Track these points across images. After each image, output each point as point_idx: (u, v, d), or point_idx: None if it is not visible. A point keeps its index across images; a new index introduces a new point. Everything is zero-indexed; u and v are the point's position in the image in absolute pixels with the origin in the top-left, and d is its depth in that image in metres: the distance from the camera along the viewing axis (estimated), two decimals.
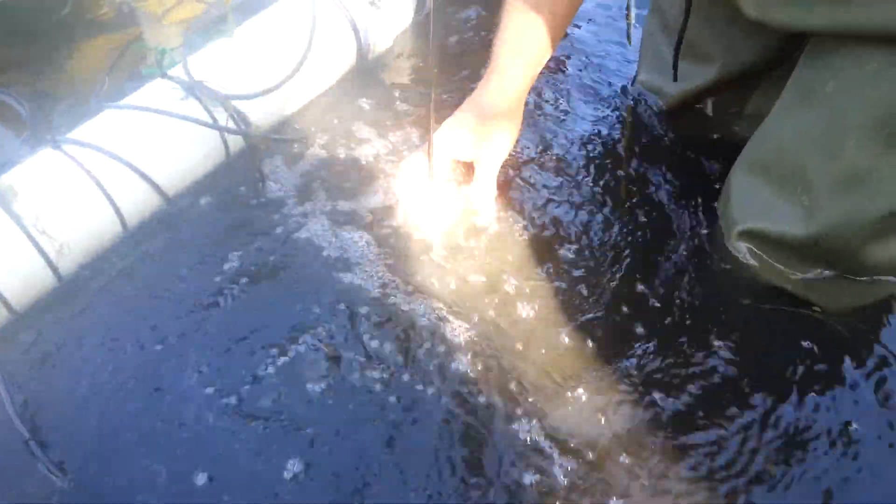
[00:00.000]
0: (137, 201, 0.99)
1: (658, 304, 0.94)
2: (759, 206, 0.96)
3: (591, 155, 1.17)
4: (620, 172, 1.14)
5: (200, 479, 0.76)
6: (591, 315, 0.92)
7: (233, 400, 0.82)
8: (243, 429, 0.80)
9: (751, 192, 0.98)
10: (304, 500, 0.75)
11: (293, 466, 0.77)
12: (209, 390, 0.83)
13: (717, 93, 1.16)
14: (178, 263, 0.97)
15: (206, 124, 1.03)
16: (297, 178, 1.11)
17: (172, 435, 0.80)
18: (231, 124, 1.08)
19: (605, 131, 1.24)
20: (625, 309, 0.93)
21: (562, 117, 1.24)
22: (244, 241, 1.00)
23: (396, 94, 1.29)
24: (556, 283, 0.95)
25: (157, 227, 1.01)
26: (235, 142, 1.10)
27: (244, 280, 0.95)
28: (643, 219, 1.05)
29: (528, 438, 0.79)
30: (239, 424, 0.80)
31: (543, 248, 1.00)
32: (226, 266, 0.97)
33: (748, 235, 0.97)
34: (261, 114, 1.13)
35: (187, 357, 0.86)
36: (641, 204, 1.08)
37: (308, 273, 0.96)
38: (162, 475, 0.77)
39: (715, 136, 1.20)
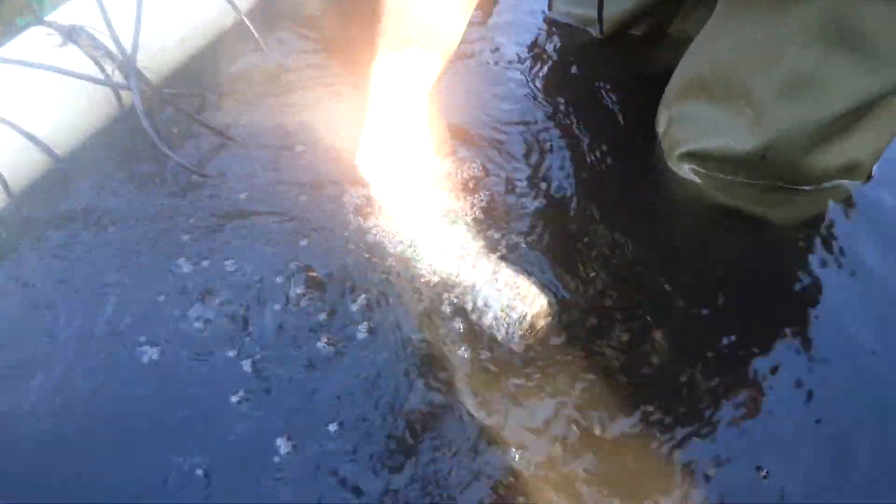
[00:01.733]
0: (20, 162, 0.87)
1: (604, 233, 0.89)
2: (699, 126, 0.93)
3: (522, 94, 1.12)
4: (552, 108, 1.08)
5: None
6: (538, 251, 0.86)
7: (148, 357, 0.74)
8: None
9: (689, 112, 0.95)
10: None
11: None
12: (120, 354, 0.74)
13: (643, 16, 1.14)
14: (76, 232, 0.86)
15: (78, 76, 0.90)
16: (199, 132, 1.01)
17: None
18: (118, 76, 0.94)
19: (531, 67, 1.18)
20: (571, 244, 0.87)
21: (489, 61, 1.18)
22: (147, 204, 0.89)
23: (304, 35, 1.20)
24: (500, 224, 0.89)
25: (49, 191, 0.90)
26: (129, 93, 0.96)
27: (146, 247, 0.84)
28: (582, 153, 1.01)
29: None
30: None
31: (491, 192, 0.93)
32: (126, 231, 0.86)
33: (691, 156, 0.94)
34: (153, 62, 1.00)
35: (87, 338, 0.76)
36: (578, 139, 1.03)
37: (210, 236, 0.86)
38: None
39: (647, 61, 1.17)
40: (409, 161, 0.89)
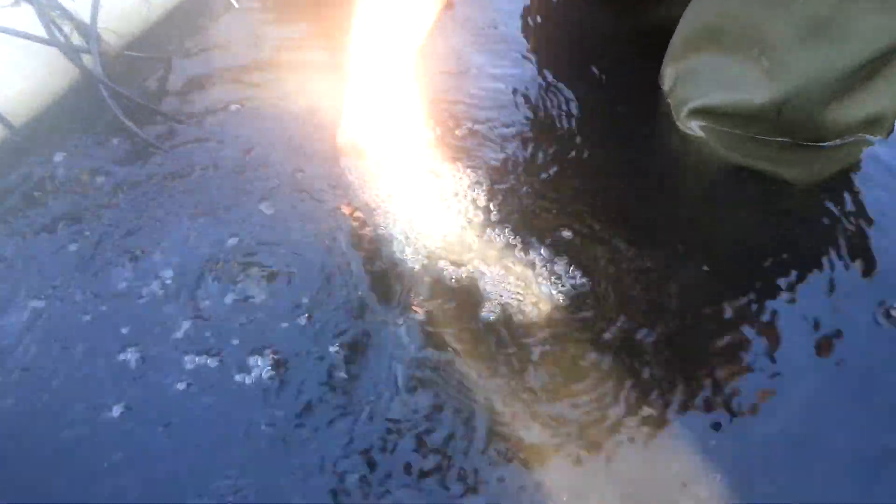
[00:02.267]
0: None
1: (612, 198, 0.83)
2: (709, 79, 0.86)
3: (518, 54, 1.04)
4: (546, 68, 1.01)
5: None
6: (542, 218, 0.80)
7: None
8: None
9: (698, 65, 0.88)
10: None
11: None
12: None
13: None
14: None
15: (32, 38, 0.83)
16: (166, 101, 0.93)
17: None
18: (76, 37, 0.87)
19: (521, 25, 1.10)
20: (578, 209, 0.81)
21: (482, 28, 1.09)
22: (106, 180, 0.83)
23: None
24: (500, 186, 0.83)
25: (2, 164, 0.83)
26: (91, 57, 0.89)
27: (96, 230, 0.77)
28: (582, 115, 0.94)
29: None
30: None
31: (488, 159, 0.87)
32: (77, 211, 0.79)
33: (700, 113, 0.87)
34: (116, 23, 0.92)
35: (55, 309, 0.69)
36: (576, 100, 0.96)
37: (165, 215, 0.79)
38: None
39: (645, 14, 1.09)
40: (396, 132, 0.83)
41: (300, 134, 0.89)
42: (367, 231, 0.77)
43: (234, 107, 0.93)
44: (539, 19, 1.12)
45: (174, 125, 0.89)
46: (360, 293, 0.71)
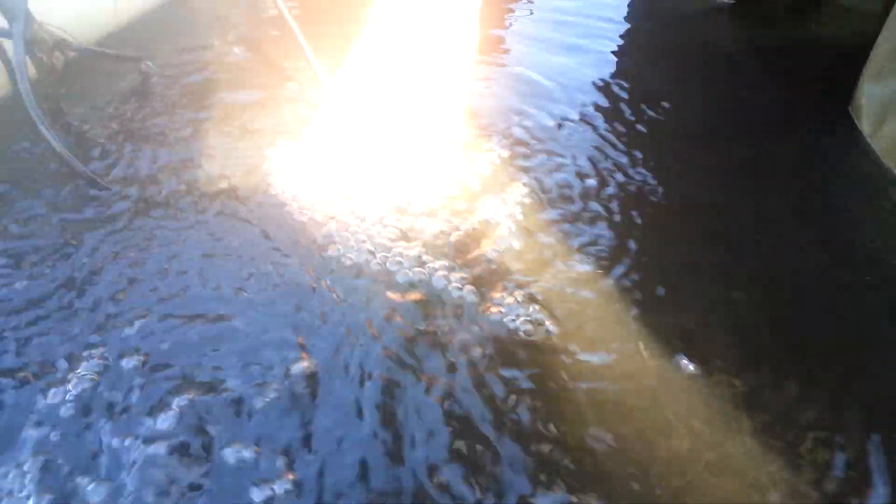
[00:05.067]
0: None
1: (801, 219, 0.69)
2: None
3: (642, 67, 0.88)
4: (683, 86, 0.85)
5: None
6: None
7: None
8: None
9: None
10: None
11: None
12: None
13: None
14: None
15: None
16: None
17: None
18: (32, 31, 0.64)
19: (642, 36, 0.94)
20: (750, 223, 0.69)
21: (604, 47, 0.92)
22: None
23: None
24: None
25: None
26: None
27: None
28: (741, 137, 0.78)
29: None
30: None
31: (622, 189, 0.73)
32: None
33: None
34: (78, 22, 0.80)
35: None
36: (726, 120, 0.81)
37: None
38: None
39: (789, 36, 0.91)
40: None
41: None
42: None
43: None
44: (666, 29, 0.98)
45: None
46: None
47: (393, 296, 0.64)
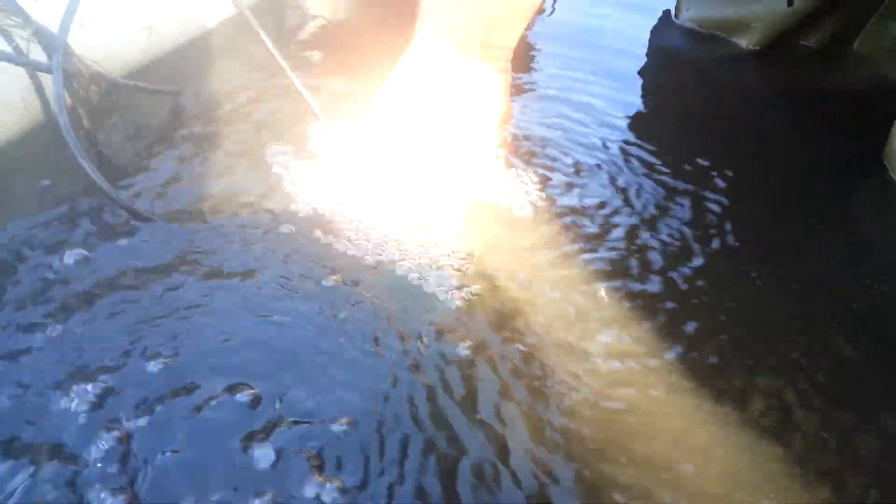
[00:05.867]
0: None
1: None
2: None
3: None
4: (710, 132, 0.86)
5: None
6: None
7: None
8: None
9: None
10: None
11: None
12: None
13: (823, 16, 0.86)
14: None
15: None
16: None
17: None
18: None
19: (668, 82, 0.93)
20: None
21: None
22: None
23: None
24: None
25: None
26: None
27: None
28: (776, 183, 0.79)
29: None
30: None
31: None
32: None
33: None
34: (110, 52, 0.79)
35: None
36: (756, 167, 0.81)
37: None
38: None
39: (824, 80, 0.89)
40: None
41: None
42: None
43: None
44: (687, 73, 0.96)
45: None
46: None
47: None
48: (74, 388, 0.51)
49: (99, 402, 0.51)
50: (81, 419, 0.50)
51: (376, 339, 0.58)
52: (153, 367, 0.54)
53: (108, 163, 0.74)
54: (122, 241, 0.66)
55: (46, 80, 0.71)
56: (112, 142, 0.76)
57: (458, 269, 0.66)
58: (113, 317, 0.58)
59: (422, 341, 0.58)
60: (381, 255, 0.67)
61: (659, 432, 0.53)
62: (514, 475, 0.49)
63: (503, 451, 0.50)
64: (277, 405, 0.52)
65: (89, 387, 0.52)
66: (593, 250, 0.69)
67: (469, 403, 0.53)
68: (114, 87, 0.75)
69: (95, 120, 0.74)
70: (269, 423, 0.50)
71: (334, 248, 0.67)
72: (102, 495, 0.45)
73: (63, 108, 0.66)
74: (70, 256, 0.64)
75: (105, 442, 0.49)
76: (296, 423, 0.51)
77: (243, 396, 0.52)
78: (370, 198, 0.73)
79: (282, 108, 0.84)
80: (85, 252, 0.64)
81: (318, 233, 0.68)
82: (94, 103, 0.74)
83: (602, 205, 0.74)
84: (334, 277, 0.64)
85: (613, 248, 0.70)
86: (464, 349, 0.58)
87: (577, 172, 0.78)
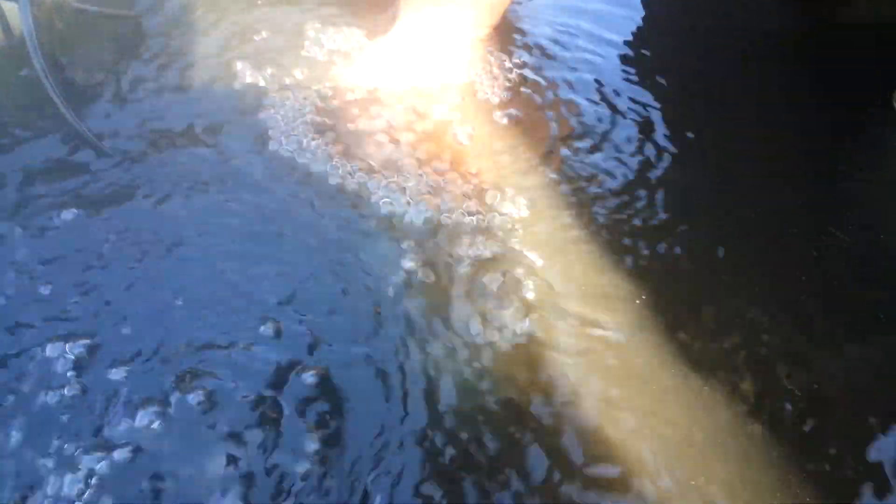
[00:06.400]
0: None
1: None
2: None
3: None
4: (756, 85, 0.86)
5: None
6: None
7: None
8: None
9: None
10: None
11: None
12: None
13: None
14: None
15: None
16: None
17: None
18: None
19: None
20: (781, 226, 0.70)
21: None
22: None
23: None
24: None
25: None
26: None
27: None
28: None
29: None
30: None
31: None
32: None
33: None
34: None
35: None
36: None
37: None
38: None
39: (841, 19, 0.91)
40: None
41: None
42: None
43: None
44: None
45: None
46: None
47: None
48: None
49: None
50: None
51: None
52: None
53: (74, 90, 0.74)
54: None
55: (11, 9, 0.71)
56: (77, 68, 0.76)
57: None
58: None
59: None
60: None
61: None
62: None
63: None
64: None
65: None
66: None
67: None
68: (76, 14, 0.75)
69: (62, 49, 0.75)
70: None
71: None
72: None
73: (34, 36, 0.66)
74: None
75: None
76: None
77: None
78: (348, 115, 0.74)
79: (245, 20, 0.84)
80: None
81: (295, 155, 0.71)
82: (58, 31, 0.74)
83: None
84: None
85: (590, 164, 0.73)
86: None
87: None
